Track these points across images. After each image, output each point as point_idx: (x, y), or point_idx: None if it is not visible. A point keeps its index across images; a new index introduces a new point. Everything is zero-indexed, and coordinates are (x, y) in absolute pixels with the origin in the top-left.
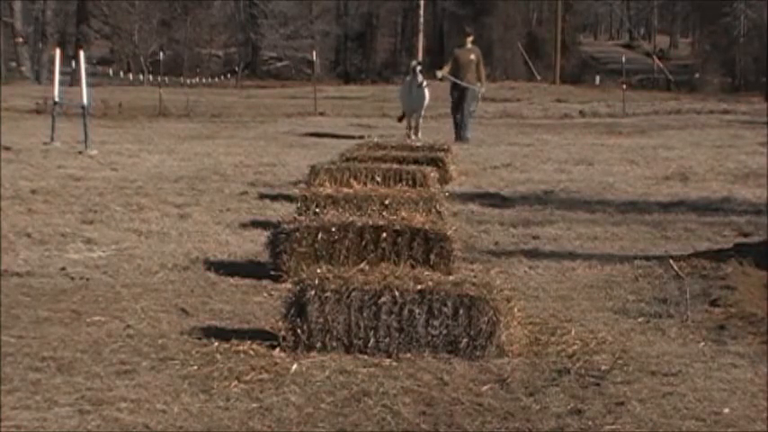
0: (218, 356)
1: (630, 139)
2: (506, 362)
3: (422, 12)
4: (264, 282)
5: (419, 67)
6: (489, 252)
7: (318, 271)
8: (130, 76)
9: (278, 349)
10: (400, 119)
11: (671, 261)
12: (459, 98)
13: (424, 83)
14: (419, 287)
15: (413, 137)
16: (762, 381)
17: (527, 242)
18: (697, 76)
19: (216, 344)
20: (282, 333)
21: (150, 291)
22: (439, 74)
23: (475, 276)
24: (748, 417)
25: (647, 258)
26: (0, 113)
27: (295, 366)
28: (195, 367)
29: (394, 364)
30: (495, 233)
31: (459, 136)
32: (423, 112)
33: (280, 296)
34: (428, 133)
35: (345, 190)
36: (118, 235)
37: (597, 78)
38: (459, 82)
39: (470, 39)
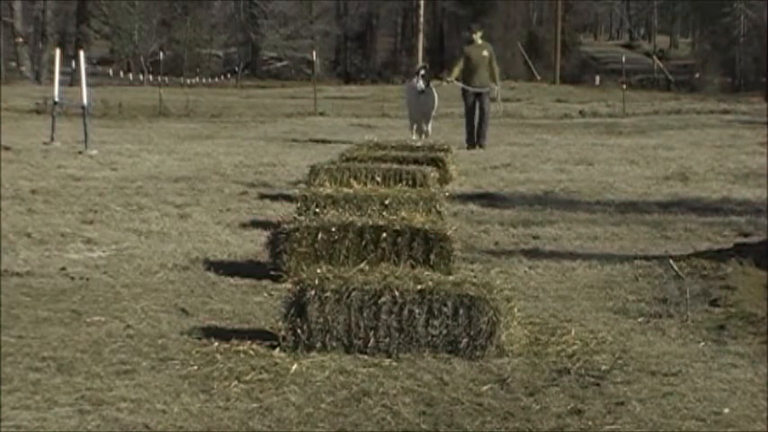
0: (218, 356)
1: (630, 139)
2: (506, 362)
3: (422, 12)
4: (264, 282)
5: (423, 72)
6: (489, 252)
7: (318, 271)
8: (130, 76)
9: (278, 349)
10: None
11: (671, 261)
12: (473, 102)
13: (431, 84)
14: (419, 287)
15: (420, 136)
16: (762, 381)
17: (527, 242)
18: (697, 76)
19: (216, 344)
20: (282, 333)
21: (150, 291)
22: (448, 78)
23: (475, 276)
24: (748, 417)
25: (647, 258)
26: (0, 113)
27: (295, 366)
28: (195, 367)
29: (394, 364)
30: (495, 233)
31: (477, 143)
32: (432, 114)
33: (280, 296)
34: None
35: (345, 190)
36: (118, 235)
37: (597, 78)
38: (468, 88)
39: (479, 34)
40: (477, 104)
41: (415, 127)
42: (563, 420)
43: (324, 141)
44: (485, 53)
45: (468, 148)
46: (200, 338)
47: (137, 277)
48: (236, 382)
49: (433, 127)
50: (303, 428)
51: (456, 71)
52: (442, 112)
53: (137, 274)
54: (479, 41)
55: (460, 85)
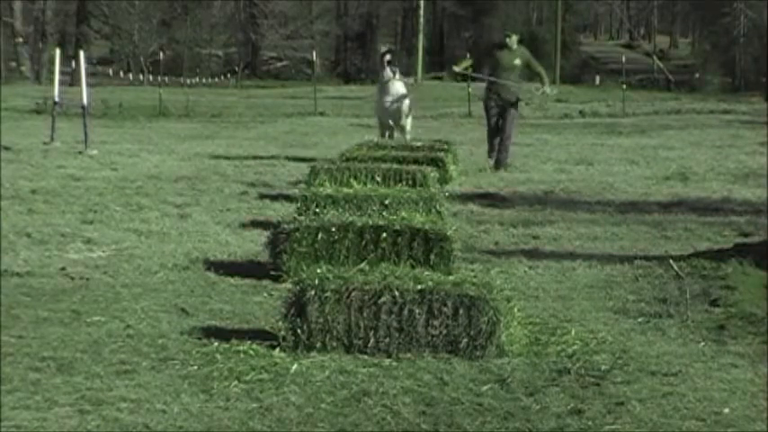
0: (218, 356)
1: (630, 139)
2: (506, 362)
3: (422, 12)
4: (264, 282)
5: (388, 56)
6: (489, 252)
7: (318, 271)
8: (130, 76)
9: (278, 349)
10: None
11: (671, 261)
12: (498, 115)
13: (406, 81)
14: (419, 287)
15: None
16: (762, 381)
17: (527, 242)
18: (697, 76)
19: (216, 344)
20: (282, 333)
21: (150, 291)
22: (455, 68)
23: (475, 276)
24: (748, 417)
25: (647, 258)
26: (0, 113)
27: (295, 366)
28: (195, 367)
29: (394, 364)
30: (495, 233)
31: (498, 160)
32: (408, 121)
33: (280, 296)
34: (428, 133)
35: (345, 190)
36: (118, 235)
37: (597, 78)
38: (493, 79)
39: (515, 39)
40: (500, 121)
41: (386, 133)
42: (563, 420)
43: (324, 141)
44: (517, 62)
45: (495, 169)
46: (200, 338)
47: (137, 277)
48: (236, 382)
49: (432, 127)
50: (303, 428)
51: (464, 63)
52: (441, 112)
53: (137, 274)
54: (514, 46)
55: (476, 75)
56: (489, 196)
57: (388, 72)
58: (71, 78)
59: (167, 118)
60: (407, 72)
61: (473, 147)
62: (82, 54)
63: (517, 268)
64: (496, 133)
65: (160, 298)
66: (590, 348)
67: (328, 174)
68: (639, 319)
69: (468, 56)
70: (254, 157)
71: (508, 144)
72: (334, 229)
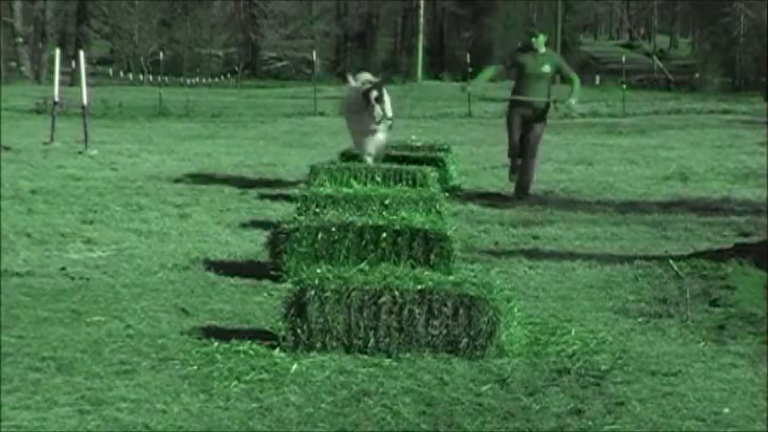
0: (218, 356)
1: (630, 139)
2: (506, 362)
3: (422, 12)
4: (264, 282)
5: (375, 93)
6: (489, 252)
7: (318, 271)
8: (130, 76)
9: (278, 349)
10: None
11: (671, 261)
12: (522, 128)
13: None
14: (419, 287)
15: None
16: (762, 381)
17: (527, 242)
18: (697, 76)
19: (216, 344)
20: (282, 333)
21: (150, 291)
22: (469, 88)
23: (475, 276)
24: (748, 417)
25: (647, 258)
26: (0, 113)
27: (295, 366)
28: (195, 367)
29: (394, 364)
30: (495, 233)
31: (519, 184)
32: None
33: (280, 296)
34: (428, 133)
35: (345, 190)
36: (118, 235)
37: (597, 78)
38: (520, 98)
39: (542, 39)
40: (525, 136)
41: (368, 158)
42: (563, 420)
43: (324, 141)
44: (546, 68)
45: (517, 196)
46: (200, 338)
47: (137, 277)
48: (236, 382)
49: (432, 127)
50: (303, 428)
51: (482, 78)
52: (441, 112)
53: (137, 274)
54: (542, 49)
55: (515, 97)
56: (489, 196)
57: (378, 111)
58: (71, 78)
59: (167, 118)
60: (408, 72)
61: (473, 147)
62: (82, 54)
63: (517, 268)
64: (520, 151)
65: (160, 298)
66: (590, 348)
67: (328, 174)
68: (639, 319)
69: (468, 57)
70: (254, 157)
71: (533, 163)
72: (334, 229)
